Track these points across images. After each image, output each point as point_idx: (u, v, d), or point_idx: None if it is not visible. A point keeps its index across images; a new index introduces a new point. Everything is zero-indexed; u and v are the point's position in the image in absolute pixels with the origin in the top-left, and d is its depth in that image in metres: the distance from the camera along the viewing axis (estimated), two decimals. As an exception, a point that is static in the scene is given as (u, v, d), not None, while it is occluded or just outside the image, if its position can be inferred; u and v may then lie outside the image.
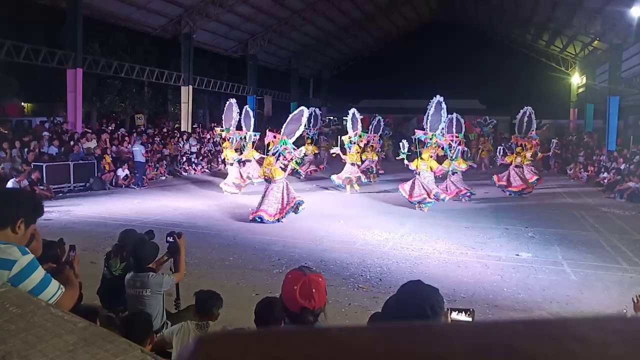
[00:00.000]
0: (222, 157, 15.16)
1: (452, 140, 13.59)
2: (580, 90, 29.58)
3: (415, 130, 12.69)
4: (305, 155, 19.13)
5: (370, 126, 18.37)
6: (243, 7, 22.88)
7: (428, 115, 12.28)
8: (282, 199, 10.71)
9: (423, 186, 12.10)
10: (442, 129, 12.53)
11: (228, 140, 14.91)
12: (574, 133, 28.31)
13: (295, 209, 10.82)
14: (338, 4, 25.77)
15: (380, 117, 18.71)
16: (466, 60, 32.09)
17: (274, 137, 11.03)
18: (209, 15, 22.08)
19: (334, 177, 15.68)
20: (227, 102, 15.16)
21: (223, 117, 15.30)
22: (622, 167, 17.78)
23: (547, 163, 23.55)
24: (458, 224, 10.77)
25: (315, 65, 35.22)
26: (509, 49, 32.26)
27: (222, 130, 15.06)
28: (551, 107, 28.94)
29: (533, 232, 10.08)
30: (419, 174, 12.23)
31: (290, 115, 11.31)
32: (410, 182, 12.40)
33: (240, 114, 15.10)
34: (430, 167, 12.29)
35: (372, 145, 17.72)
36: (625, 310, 4.90)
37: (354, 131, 15.79)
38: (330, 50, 33.42)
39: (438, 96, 12.13)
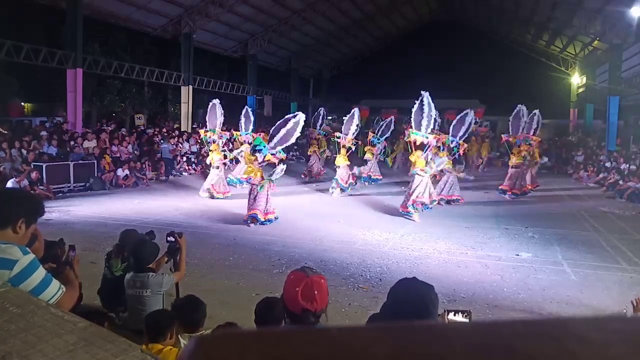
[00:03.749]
0: (208, 161, 14.60)
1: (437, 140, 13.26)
2: (580, 90, 29.58)
3: (401, 137, 12.15)
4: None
5: (377, 127, 18.20)
6: (243, 7, 22.88)
7: (416, 114, 11.46)
8: (267, 202, 10.52)
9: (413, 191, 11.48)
10: (429, 126, 12.06)
11: (215, 142, 14.26)
12: (575, 133, 28.30)
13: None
14: (338, 4, 25.77)
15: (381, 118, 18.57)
16: (466, 60, 32.08)
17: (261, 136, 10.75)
18: (209, 15, 22.08)
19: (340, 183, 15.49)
20: (211, 104, 14.67)
21: (207, 118, 14.68)
22: (622, 167, 17.79)
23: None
24: (458, 224, 10.77)
25: (315, 65, 35.21)
26: (509, 49, 32.25)
27: (207, 132, 14.35)
28: (551, 107, 28.90)
29: (533, 232, 10.08)
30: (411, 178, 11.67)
31: (286, 121, 10.63)
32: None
33: (223, 115, 14.65)
34: (415, 164, 11.57)
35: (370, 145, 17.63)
36: (625, 311, 4.90)
37: (344, 132, 15.52)
38: (330, 50, 33.42)
39: (423, 92, 11.23)
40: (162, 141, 19.41)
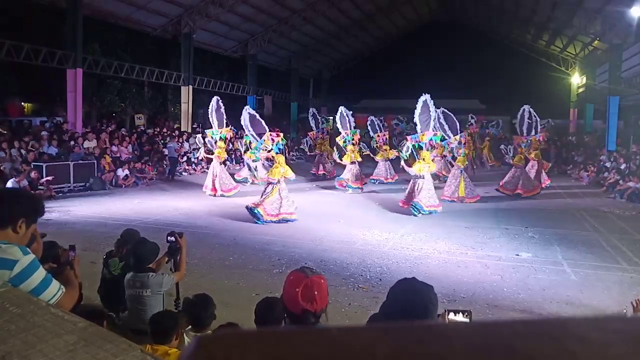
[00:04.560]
0: (214, 156, 14.67)
1: (461, 141, 13.54)
2: (580, 90, 29.57)
3: (407, 137, 12.43)
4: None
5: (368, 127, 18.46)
6: (243, 7, 22.88)
7: (421, 116, 11.69)
8: (281, 202, 10.71)
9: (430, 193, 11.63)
10: (435, 127, 12.20)
11: (222, 139, 14.55)
12: (575, 133, 28.31)
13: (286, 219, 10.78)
14: (338, 4, 25.78)
15: (374, 118, 18.73)
16: (466, 60, 32.07)
17: (278, 135, 11.13)
18: (209, 15, 22.09)
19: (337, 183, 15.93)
20: (216, 100, 14.70)
21: (214, 117, 14.74)
22: (622, 167, 17.79)
23: (547, 160, 23.50)
24: (458, 224, 10.77)
25: (315, 65, 35.21)
26: (509, 49, 32.24)
27: (231, 130, 14.78)
28: (551, 107, 28.92)
29: (533, 232, 10.07)
30: (422, 177, 11.66)
31: (245, 119, 11.50)
32: (409, 190, 11.88)
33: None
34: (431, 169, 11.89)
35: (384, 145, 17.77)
36: (625, 311, 4.90)
37: (344, 130, 15.88)
38: (330, 50, 33.42)
39: (425, 95, 11.55)
40: (162, 141, 19.49)
